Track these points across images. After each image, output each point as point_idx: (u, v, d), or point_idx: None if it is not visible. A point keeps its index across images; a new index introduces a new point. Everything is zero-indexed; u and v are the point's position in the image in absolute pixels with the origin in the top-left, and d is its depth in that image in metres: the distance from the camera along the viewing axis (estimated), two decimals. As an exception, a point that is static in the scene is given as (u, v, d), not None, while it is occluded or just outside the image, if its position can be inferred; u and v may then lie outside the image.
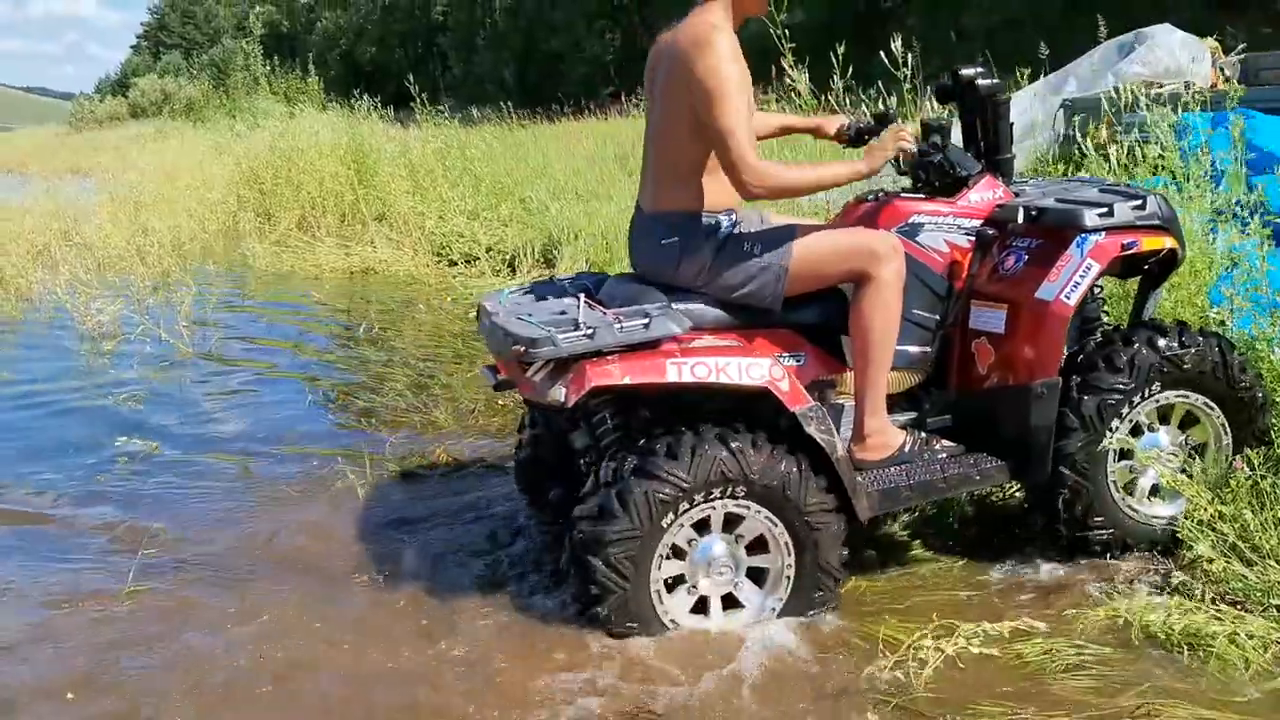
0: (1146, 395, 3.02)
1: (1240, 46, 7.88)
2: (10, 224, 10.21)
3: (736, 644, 2.75)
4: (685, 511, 2.67)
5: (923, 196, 3.09)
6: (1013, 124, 3.23)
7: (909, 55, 7.33)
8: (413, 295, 8.01)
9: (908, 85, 5.17)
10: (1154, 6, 17.22)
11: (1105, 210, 2.94)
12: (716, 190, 2.85)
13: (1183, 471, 3.05)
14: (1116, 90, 6.44)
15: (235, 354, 6.52)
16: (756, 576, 2.85)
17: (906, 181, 3.24)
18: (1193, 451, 3.14)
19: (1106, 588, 2.99)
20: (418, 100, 11.53)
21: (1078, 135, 6.21)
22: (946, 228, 3.05)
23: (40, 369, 6.27)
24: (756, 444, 2.69)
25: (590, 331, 2.62)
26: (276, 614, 3.11)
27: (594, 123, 16.48)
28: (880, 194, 3.16)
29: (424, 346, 6.41)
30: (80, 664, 2.86)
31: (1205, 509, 2.89)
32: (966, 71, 3.15)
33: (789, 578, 2.79)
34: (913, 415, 3.16)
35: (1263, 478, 2.91)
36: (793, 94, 6.14)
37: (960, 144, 3.24)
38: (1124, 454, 3.10)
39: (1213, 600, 2.78)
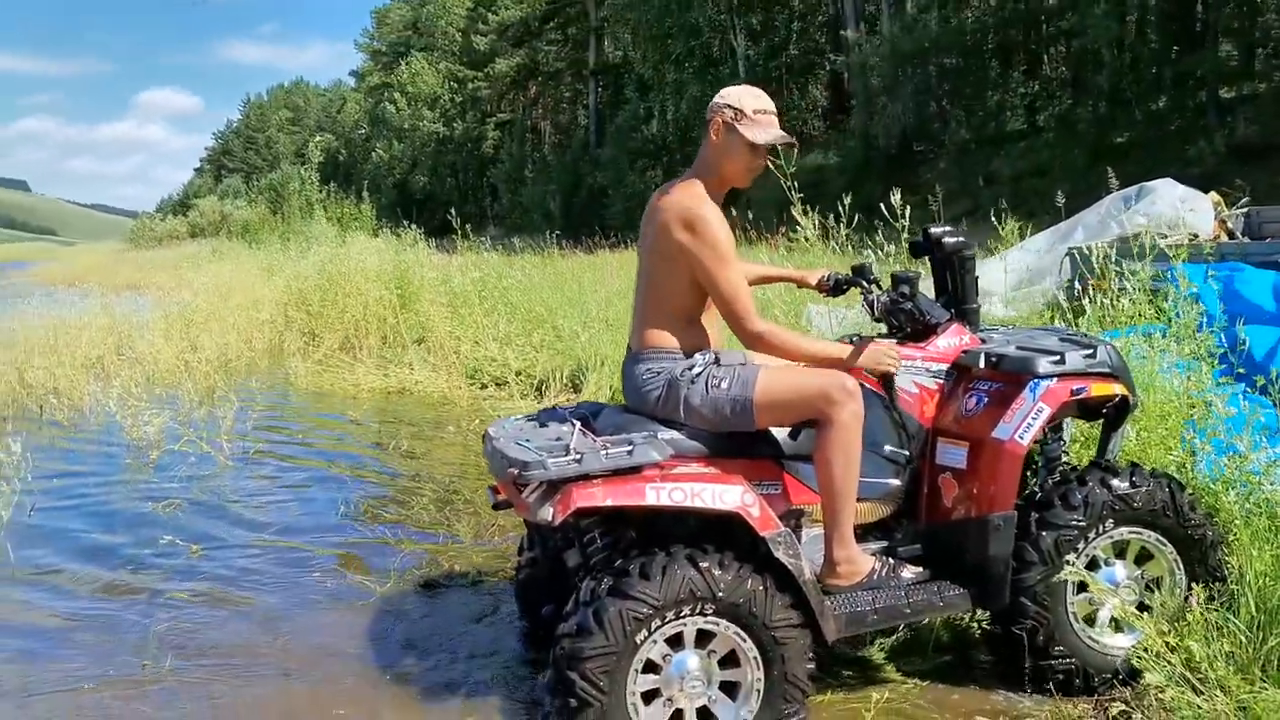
0: (1100, 531, 3.20)
1: (1243, 200, 8.21)
2: (68, 337, 10.75)
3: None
4: (658, 628, 2.84)
5: (895, 341, 3.35)
6: (978, 277, 3.51)
7: (930, 199, 7.73)
8: (444, 416, 8.35)
9: (906, 235, 5.48)
10: (1177, 157, 17.78)
11: (1057, 358, 3.17)
12: (699, 334, 3.15)
13: (1140, 605, 3.24)
14: (1121, 240, 6.78)
15: (271, 468, 6.86)
16: (729, 690, 3.01)
17: (883, 327, 3.53)
18: (1149, 585, 3.31)
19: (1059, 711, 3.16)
20: (459, 231, 12.08)
21: (1077, 284, 6.53)
22: (916, 370, 3.31)
23: (88, 474, 6.66)
24: (724, 563, 2.87)
25: (579, 457, 2.85)
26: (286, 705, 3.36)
27: (629, 254, 17.05)
28: (857, 337, 3.39)
29: (451, 464, 6.71)
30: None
31: (1156, 640, 3.06)
32: (936, 230, 3.45)
33: (759, 690, 2.95)
34: (885, 544, 3.34)
35: (1214, 611, 3.09)
36: (803, 239, 6.51)
37: (932, 294, 3.54)
38: (1082, 586, 3.23)
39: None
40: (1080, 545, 3.20)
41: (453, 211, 12.70)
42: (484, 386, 9.27)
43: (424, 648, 3.83)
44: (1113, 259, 5.69)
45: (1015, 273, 8.04)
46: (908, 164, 25.96)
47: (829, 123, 35.96)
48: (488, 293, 11.16)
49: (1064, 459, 3.59)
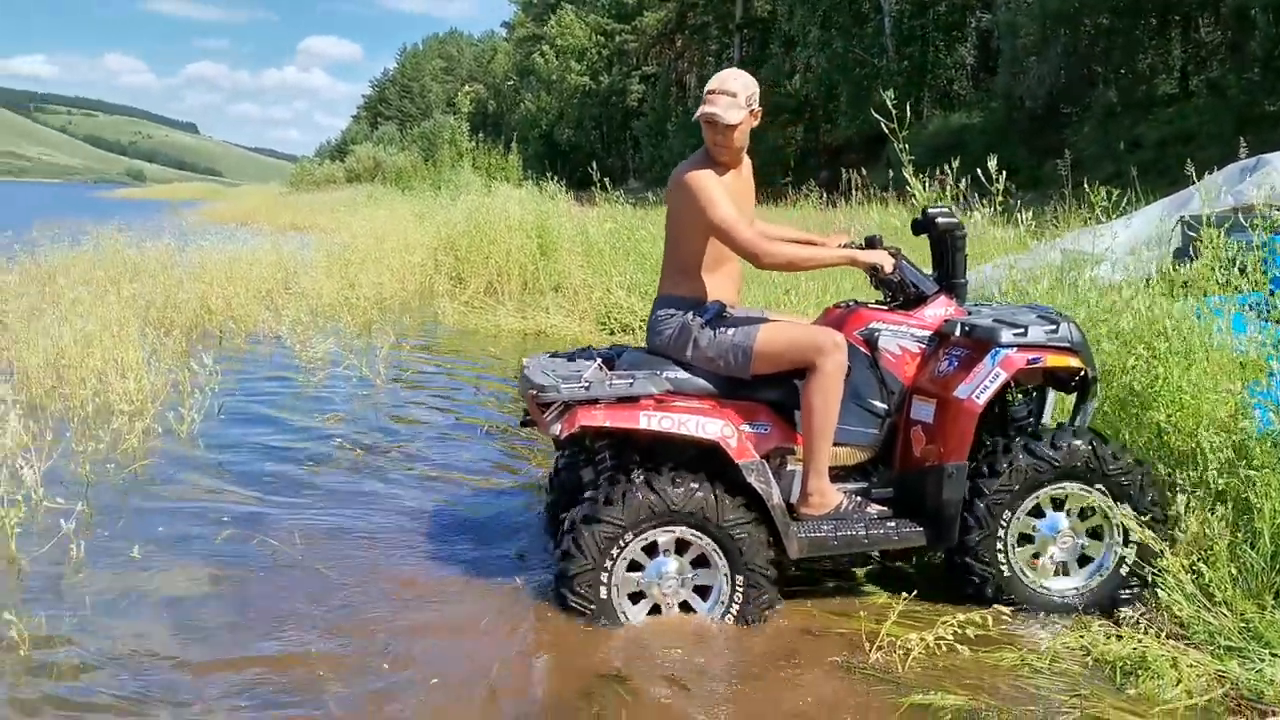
0: (1029, 492, 3.66)
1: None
2: (242, 270, 11.88)
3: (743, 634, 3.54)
4: (628, 543, 3.49)
5: (886, 308, 3.90)
6: (967, 255, 3.95)
7: (1058, 165, 7.83)
8: (574, 356, 9.06)
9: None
10: (1324, 125, 17.05)
11: (1021, 331, 3.62)
12: (714, 285, 3.71)
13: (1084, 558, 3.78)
14: (1234, 211, 6.91)
15: (421, 393, 7.73)
16: (704, 593, 3.64)
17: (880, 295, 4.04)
18: (1092, 530, 3.77)
19: (1073, 623, 3.65)
20: (598, 184, 12.72)
21: (1189, 251, 6.71)
22: (901, 335, 3.81)
23: (265, 388, 7.66)
24: (676, 481, 3.46)
25: (588, 385, 3.50)
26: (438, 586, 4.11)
27: (767, 209, 17.46)
28: (853, 302, 4.00)
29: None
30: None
31: (1173, 562, 3.50)
32: (932, 211, 3.90)
33: (727, 579, 3.56)
34: (863, 485, 3.87)
35: (1221, 537, 3.50)
36: (911, 199, 6.86)
37: (931, 268, 4.01)
38: (1025, 539, 3.74)
39: (1164, 637, 3.42)
40: (1014, 506, 3.66)
41: (593, 165, 13.30)
42: (613, 332, 9.95)
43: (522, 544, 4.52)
44: (1222, 229, 5.90)
45: (1130, 239, 8.21)
46: (1051, 126, 25.40)
47: (974, 82, 35.22)
48: (620, 243, 11.80)
49: (1030, 425, 3.99)
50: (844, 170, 14.03)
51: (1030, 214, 7.01)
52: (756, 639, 3.54)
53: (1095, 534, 3.79)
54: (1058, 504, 3.74)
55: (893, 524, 3.73)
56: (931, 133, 27.75)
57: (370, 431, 6.43)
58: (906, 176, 6.59)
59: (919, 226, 3.97)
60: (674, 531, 3.53)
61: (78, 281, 9.14)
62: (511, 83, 65.68)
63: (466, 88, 75.59)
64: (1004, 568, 3.70)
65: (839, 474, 3.81)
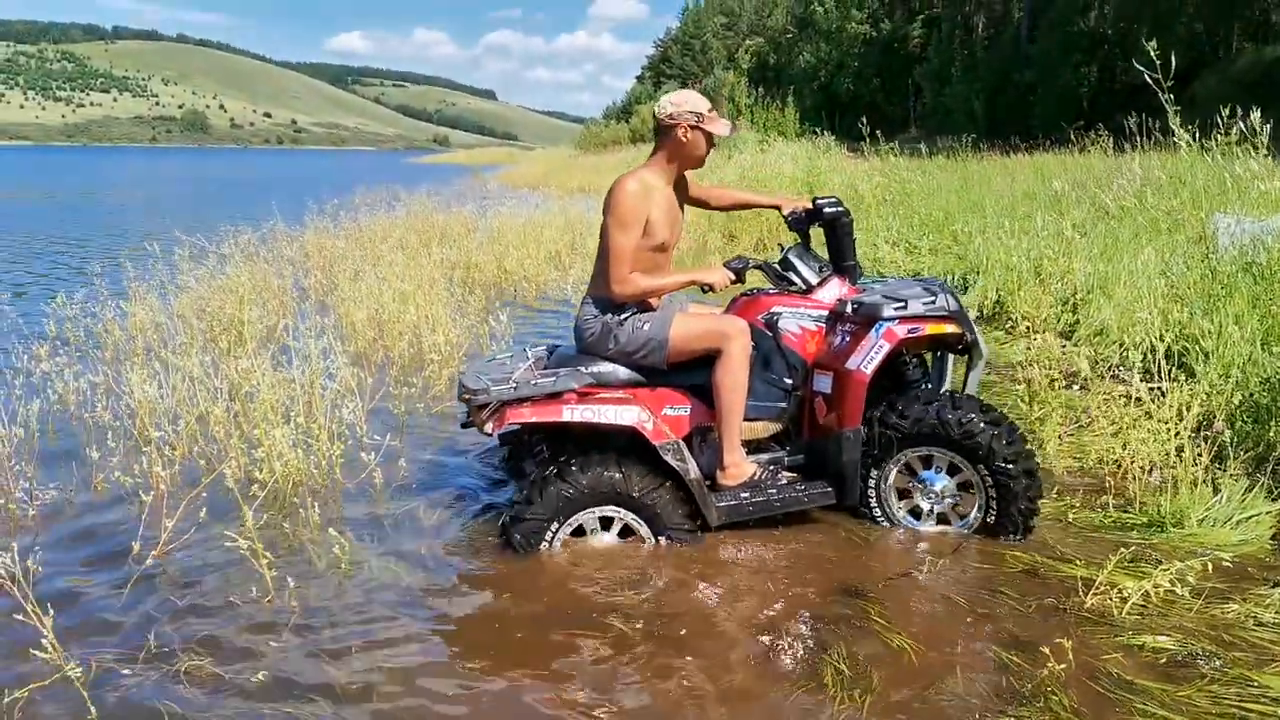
0: (891, 455, 4.07)
1: None
2: (533, 233, 12.83)
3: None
4: (556, 533, 3.89)
5: (783, 293, 4.25)
6: (854, 238, 4.33)
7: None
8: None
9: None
10: None
11: (901, 304, 3.95)
12: None
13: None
14: None
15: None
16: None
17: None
18: (960, 485, 4.08)
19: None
20: (869, 136, 12.73)
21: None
22: (799, 316, 4.18)
23: (555, 343, 8.29)
24: (584, 467, 3.83)
25: (515, 386, 3.88)
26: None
27: (1050, 157, 16.73)
28: (755, 290, 4.36)
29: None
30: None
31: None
32: (820, 201, 4.25)
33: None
34: (778, 454, 4.26)
35: None
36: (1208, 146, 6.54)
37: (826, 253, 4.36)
38: (902, 494, 4.17)
39: None
40: (880, 466, 4.10)
41: (863, 120, 13.32)
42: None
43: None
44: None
45: None
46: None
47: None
48: (890, 197, 11.81)
49: (923, 387, 4.32)
50: (1137, 113, 13.26)
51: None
52: (977, 575, 3.74)
53: (967, 488, 4.09)
54: (926, 462, 4.11)
55: (802, 487, 4.11)
56: (1242, 68, 25.28)
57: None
58: (1173, 127, 6.35)
59: (810, 216, 4.31)
60: (594, 512, 3.92)
61: (395, 246, 10.28)
62: (790, 35, 65.17)
63: (747, 42, 75.70)
64: (883, 520, 4.18)
65: (752, 445, 4.20)
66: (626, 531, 4.00)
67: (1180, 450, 4.28)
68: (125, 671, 3.13)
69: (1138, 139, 11.24)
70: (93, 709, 2.87)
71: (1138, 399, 4.57)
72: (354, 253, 10.89)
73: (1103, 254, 7.94)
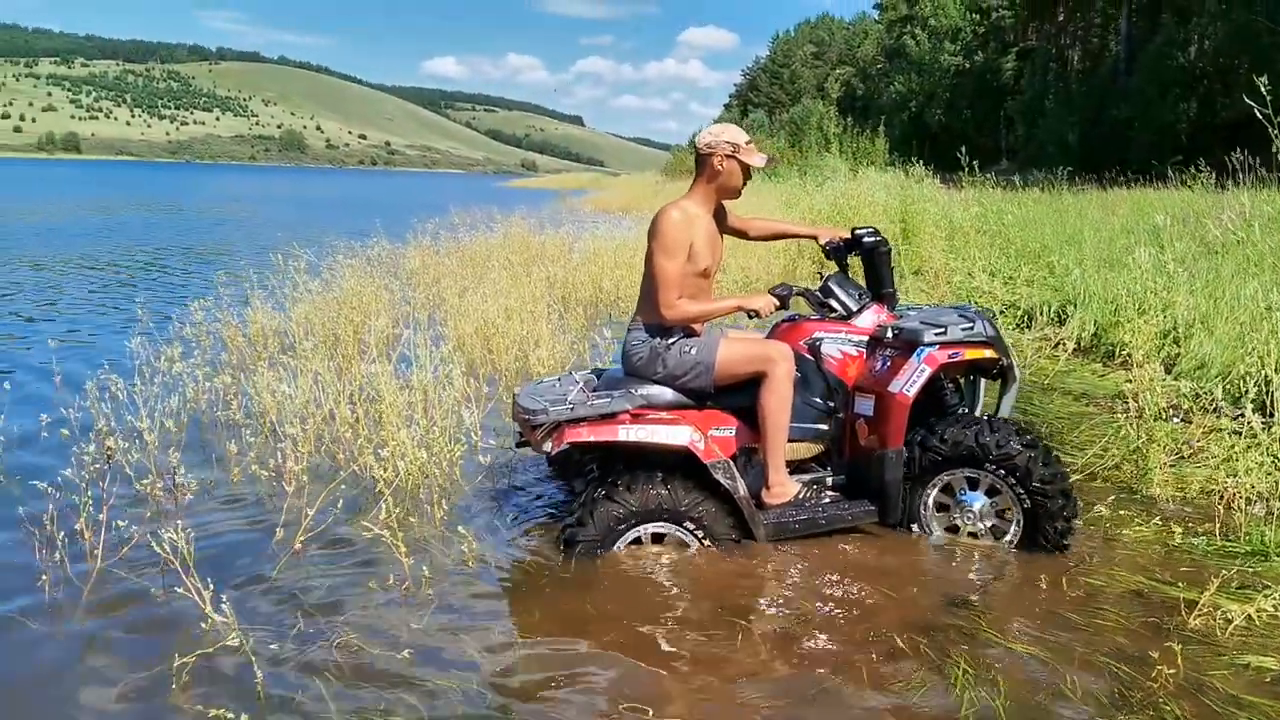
0: (933, 477, 4.21)
1: None
2: (627, 254, 13.07)
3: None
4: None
5: (824, 319, 4.41)
6: (893, 268, 4.51)
7: None
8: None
9: None
10: None
11: (941, 330, 4.11)
12: None
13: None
14: None
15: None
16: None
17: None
18: (996, 505, 4.21)
19: None
20: (965, 167, 12.75)
21: None
22: (840, 341, 4.35)
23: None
24: (631, 487, 3.95)
25: (571, 406, 4.02)
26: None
27: (1144, 192, 16.54)
28: (798, 316, 4.53)
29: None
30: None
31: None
32: (859, 231, 4.44)
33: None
34: (821, 474, 4.43)
35: None
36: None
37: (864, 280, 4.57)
38: (941, 508, 4.29)
39: None
40: (924, 485, 4.23)
41: (962, 150, 13.33)
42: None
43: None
44: None
45: None
46: None
47: None
48: (986, 227, 11.81)
49: (958, 411, 4.45)
50: (1239, 149, 13.07)
51: None
52: (1082, 592, 3.83)
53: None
54: (973, 483, 4.23)
55: (846, 505, 4.26)
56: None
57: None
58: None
59: (849, 246, 4.50)
60: (645, 529, 4.04)
61: (499, 265, 10.61)
62: (880, 65, 65.02)
63: (836, 71, 75.67)
64: (927, 535, 4.29)
65: (797, 466, 4.34)
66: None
67: (1287, 482, 4.31)
68: (280, 645, 3.38)
69: (1240, 175, 11.10)
70: (259, 673, 3.12)
71: (1239, 432, 4.61)
72: (458, 270, 11.25)
73: (1204, 288, 7.91)
